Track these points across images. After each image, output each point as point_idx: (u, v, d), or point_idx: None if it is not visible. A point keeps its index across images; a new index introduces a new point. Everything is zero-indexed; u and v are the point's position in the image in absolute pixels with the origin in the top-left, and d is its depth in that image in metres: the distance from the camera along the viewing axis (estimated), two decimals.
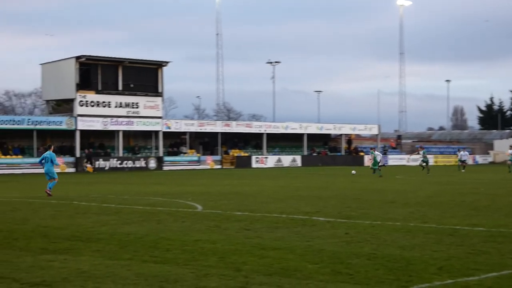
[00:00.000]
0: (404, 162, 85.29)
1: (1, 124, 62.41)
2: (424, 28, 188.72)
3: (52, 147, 29.04)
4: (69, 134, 66.36)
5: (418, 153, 56.39)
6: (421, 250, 12.39)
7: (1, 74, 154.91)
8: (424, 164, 52.08)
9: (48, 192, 27.13)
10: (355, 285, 9.31)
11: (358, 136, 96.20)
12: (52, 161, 27.84)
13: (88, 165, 62.78)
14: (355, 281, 9.60)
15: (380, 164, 49.16)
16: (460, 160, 60.88)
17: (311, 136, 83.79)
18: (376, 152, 50.90)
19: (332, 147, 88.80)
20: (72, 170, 64.04)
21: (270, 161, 77.96)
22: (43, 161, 28.03)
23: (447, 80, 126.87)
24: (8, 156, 63.05)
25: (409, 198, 25.07)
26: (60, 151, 66.67)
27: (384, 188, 31.98)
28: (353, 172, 50.10)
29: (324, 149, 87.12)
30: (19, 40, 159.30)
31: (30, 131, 63.77)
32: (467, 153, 64.01)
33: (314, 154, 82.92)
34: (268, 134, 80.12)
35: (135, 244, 13.20)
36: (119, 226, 16.35)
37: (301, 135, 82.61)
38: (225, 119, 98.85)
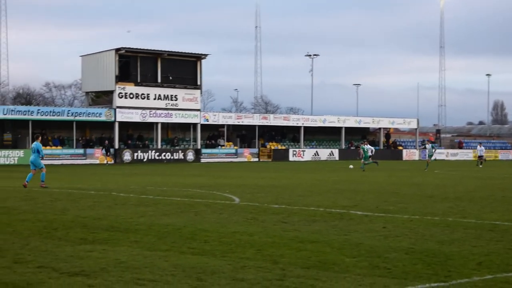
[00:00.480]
0: (443, 157, 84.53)
1: (42, 115, 63.12)
2: (465, 22, 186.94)
3: (40, 138, 28.54)
4: (108, 125, 66.88)
5: (425, 147, 55.47)
6: (460, 245, 12.27)
7: (42, 66, 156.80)
8: (429, 159, 50.87)
9: (25, 184, 26.78)
10: (392, 279, 9.24)
11: (396, 130, 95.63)
12: (38, 152, 27.53)
13: (107, 156, 62.51)
14: (393, 275, 9.54)
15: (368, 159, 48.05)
16: (478, 156, 59.88)
17: (349, 130, 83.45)
18: (368, 146, 49.86)
19: (370, 141, 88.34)
20: (111, 161, 64.57)
21: (308, 154, 77.82)
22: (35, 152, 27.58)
23: (488, 75, 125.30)
24: (48, 147, 63.75)
25: (448, 193, 24.85)
26: (99, 143, 67.36)
27: (423, 182, 31.74)
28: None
29: (362, 143, 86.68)
30: (60, 32, 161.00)
31: (69, 123, 64.42)
32: (483, 148, 62.79)
33: (352, 147, 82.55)
34: (305, 127, 79.93)
35: (173, 235, 13.26)
36: (157, 217, 16.44)
37: (339, 128, 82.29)
38: (263, 112, 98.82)
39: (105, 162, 62.43)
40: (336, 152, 79.46)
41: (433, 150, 52.35)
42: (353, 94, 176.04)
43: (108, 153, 62.51)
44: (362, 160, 48.60)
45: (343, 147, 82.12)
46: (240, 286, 8.77)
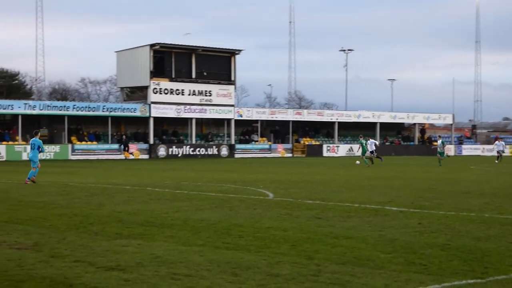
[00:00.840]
0: (479, 152, 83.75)
1: (77, 110, 63.70)
2: (502, 17, 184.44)
3: (39, 134, 28.14)
4: (143, 121, 67.28)
5: (436, 142, 53.51)
6: (496, 241, 12.14)
7: (77, 62, 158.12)
8: (440, 156, 48.42)
9: (27, 181, 26.57)
10: (428, 276, 9.17)
11: (432, 125, 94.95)
12: (39, 148, 27.23)
13: (126, 152, 62.27)
14: (429, 271, 9.46)
15: (369, 154, 47.06)
16: (497, 151, 58.12)
17: (384, 125, 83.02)
18: (371, 140, 48.31)
19: (405, 136, 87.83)
20: (145, 156, 64.97)
21: (342, 150, 77.61)
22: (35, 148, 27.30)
23: None
24: (83, 142, 64.32)
25: (484, 189, 24.60)
26: (134, 138, 67.80)
27: (459, 178, 31.48)
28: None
29: (397, 139, 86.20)
30: (95, 28, 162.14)
31: (105, 118, 64.91)
32: (503, 143, 60.88)
33: (387, 143, 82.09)
34: (339, 122, 79.71)
35: (207, 230, 13.30)
36: (192, 212, 16.50)
37: (374, 124, 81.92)
38: (297, 108, 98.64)
39: (125, 157, 62.27)
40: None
41: (443, 146, 49.42)
42: (388, 89, 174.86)
43: (126, 148, 62.21)
44: (362, 156, 47.74)
45: (378, 142, 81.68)
46: (275, 281, 8.76)
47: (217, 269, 9.49)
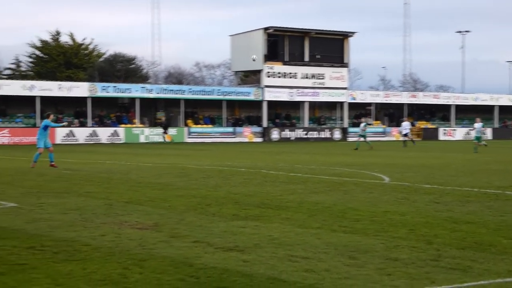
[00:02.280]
0: None
1: (193, 94, 64.83)
2: None
3: (51, 116, 27.07)
4: (256, 104, 67.78)
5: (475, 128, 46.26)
6: None
7: (192, 46, 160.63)
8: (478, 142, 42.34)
9: (53, 164, 25.58)
10: None
11: None
12: (46, 127, 25.92)
13: (166, 134, 59.85)
14: None
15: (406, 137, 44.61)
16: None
17: (503, 108, 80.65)
18: (406, 123, 45.20)
19: None
20: (259, 139, 65.50)
21: (459, 133, 75.84)
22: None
23: None
24: (199, 126, 65.44)
25: None
26: (247, 121, 68.45)
27: None
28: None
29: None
30: (209, 12, 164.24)
31: (219, 102, 65.77)
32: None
33: (506, 127, 79.69)
34: (456, 105, 77.93)
35: (323, 213, 13.27)
36: (306, 195, 16.51)
37: (492, 107, 79.68)
38: (411, 90, 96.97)
39: (164, 140, 59.55)
40: (489, 131, 76.84)
41: (482, 133, 44.01)
42: (506, 71, 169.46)
43: (166, 131, 60.06)
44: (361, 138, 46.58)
45: (497, 126, 79.42)
46: (393, 265, 8.65)
47: (335, 252, 9.45)
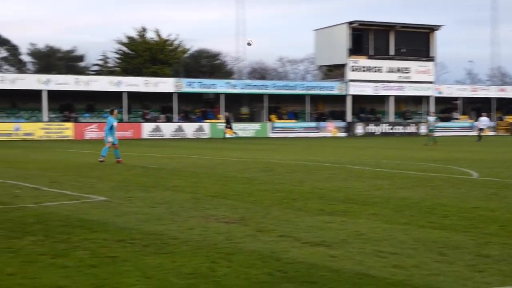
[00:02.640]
0: None
1: (276, 89, 64.95)
2: None
3: (115, 112, 26.50)
4: (340, 99, 67.44)
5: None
6: None
7: (275, 41, 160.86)
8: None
9: (119, 160, 25.40)
10: None
11: None
12: (111, 127, 25.72)
13: (228, 129, 57.48)
14: None
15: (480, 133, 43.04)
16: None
17: None
18: (483, 118, 43.43)
19: None
20: (343, 134, 65.16)
21: None
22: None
23: None
24: (282, 120, 65.54)
25: None
26: (331, 116, 68.17)
27: None
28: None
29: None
30: (293, 7, 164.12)
31: (302, 96, 65.71)
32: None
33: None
34: None
35: (410, 209, 13.09)
36: (393, 190, 16.30)
37: None
38: (500, 84, 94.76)
39: (226, 135, 57.25)
40: None
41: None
42: None
43: (228, 125, 57.77)
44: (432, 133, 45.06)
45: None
46: (484, 262, 8.46)
47: (423, 248, 9.31)
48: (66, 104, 61.68)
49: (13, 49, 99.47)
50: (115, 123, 26.15)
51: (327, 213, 12.50)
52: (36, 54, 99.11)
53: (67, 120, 59.68)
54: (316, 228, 10.87)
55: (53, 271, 7.99)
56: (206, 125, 61.40)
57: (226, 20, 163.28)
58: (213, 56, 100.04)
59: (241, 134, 59.27)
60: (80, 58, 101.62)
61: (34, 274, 7.82)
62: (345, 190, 16.22)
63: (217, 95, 63.78)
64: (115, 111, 26.78)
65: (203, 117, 64.53)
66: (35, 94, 57.92)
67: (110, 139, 25.79)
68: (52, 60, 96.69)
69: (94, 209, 12.98)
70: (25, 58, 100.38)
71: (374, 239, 9.90)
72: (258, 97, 64.58)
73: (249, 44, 35.53)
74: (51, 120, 58.58)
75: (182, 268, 8.18)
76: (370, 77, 66.68)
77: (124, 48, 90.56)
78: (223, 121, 59.39)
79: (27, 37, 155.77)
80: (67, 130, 56.84)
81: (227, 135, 56.98)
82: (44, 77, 59.08)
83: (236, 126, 60.84)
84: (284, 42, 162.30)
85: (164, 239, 9.92)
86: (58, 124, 57.54)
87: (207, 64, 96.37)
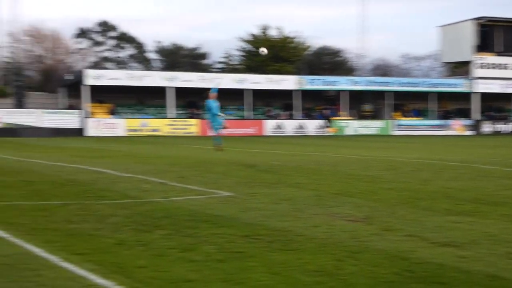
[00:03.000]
0: None
1: (400, 86, 64.07)
2: None
3: (211, 94, 25.17)
4: (465, 96, 65.83)
5: None
6: None
7: (397, 38, 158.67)
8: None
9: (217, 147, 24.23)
10: None
11: None
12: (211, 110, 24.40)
13: (328, 127, 57.97)
14: None
15: None
16: None
17: None
18: None
19: None
20: (470, 132, 63.58)
21: None
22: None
23: None
24: (406, 118, 64.58)
25: None
26: (457, 114, 66.61)
27: None
28: None
29: None
30: (416, 3, 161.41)
31: (426, 94, 64.54)
32: None
33: None
34: None
35: None
36: None
37: None
38: None
39: (334, 131, 57.75)
40: None
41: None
42: None
43: (328, 123, 58.00)
44: None
45: None
46: None
47: None
48: (191, 101, 62.91)
49: (140, 47, 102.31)
50: (216, 104, 24.96)
51: (455, 213, 12.19)
52: (162, 51, 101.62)
53: (192, 117, 60.89)
54: (444, 228, 10.62)
55: (182, 265, 8.13)
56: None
57: (348, 17, 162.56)
58: (335, 53, 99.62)
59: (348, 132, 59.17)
60: (204, 55, 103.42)
61: (164, 268, 7.98)
62: (473, 190, 15.78)
63: (338, 92, 63.48)
64: (212, 94, 25.48)
65: (322, 115, 64.33)
66: (160, 91, 59.38)
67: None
68: (177, 57, 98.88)
69: (219, 204, 13.15)
70: (151, 55, 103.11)
71: (506, 240, 9.57)
72: (381, 94, 63.88)
73: (262, 52, 35.13)
74: (177, 116, 59.91)
75: (307, 265, 8.15)
76: (497, 74, 64.74)
77: (247, 46, 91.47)
78: (325, 119, 59.65)
79: (153, 34, 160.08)
80: (192, 126, 58.01)
81: (330, 132, 57.25)
82: (169, 74, 60.51)
83: (359, 123, 60.36)
84: (406, 39, 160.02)
85: (289, 235, 9.93)
86: (183, 121, 58.79)
87: (329, 61, 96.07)
